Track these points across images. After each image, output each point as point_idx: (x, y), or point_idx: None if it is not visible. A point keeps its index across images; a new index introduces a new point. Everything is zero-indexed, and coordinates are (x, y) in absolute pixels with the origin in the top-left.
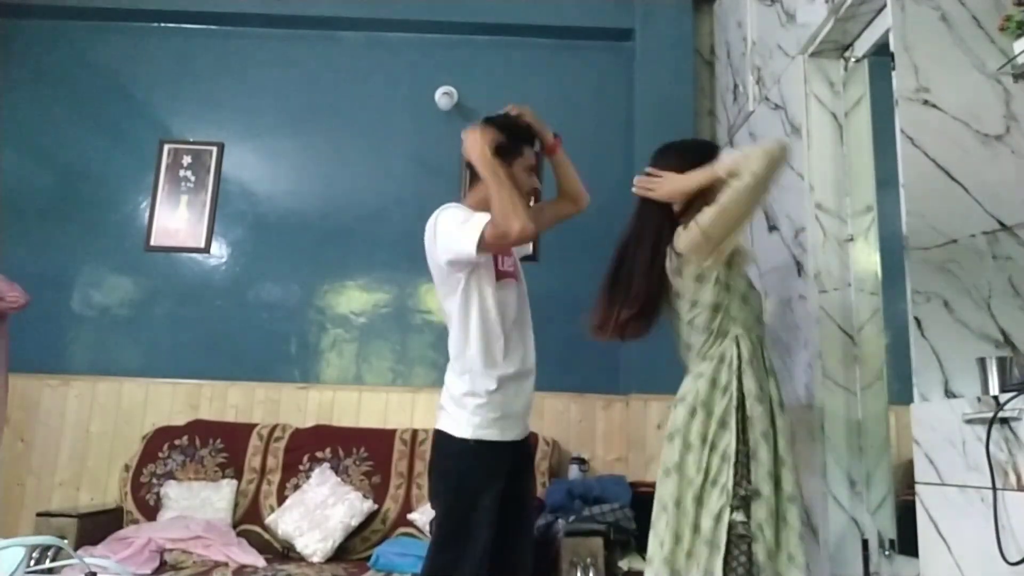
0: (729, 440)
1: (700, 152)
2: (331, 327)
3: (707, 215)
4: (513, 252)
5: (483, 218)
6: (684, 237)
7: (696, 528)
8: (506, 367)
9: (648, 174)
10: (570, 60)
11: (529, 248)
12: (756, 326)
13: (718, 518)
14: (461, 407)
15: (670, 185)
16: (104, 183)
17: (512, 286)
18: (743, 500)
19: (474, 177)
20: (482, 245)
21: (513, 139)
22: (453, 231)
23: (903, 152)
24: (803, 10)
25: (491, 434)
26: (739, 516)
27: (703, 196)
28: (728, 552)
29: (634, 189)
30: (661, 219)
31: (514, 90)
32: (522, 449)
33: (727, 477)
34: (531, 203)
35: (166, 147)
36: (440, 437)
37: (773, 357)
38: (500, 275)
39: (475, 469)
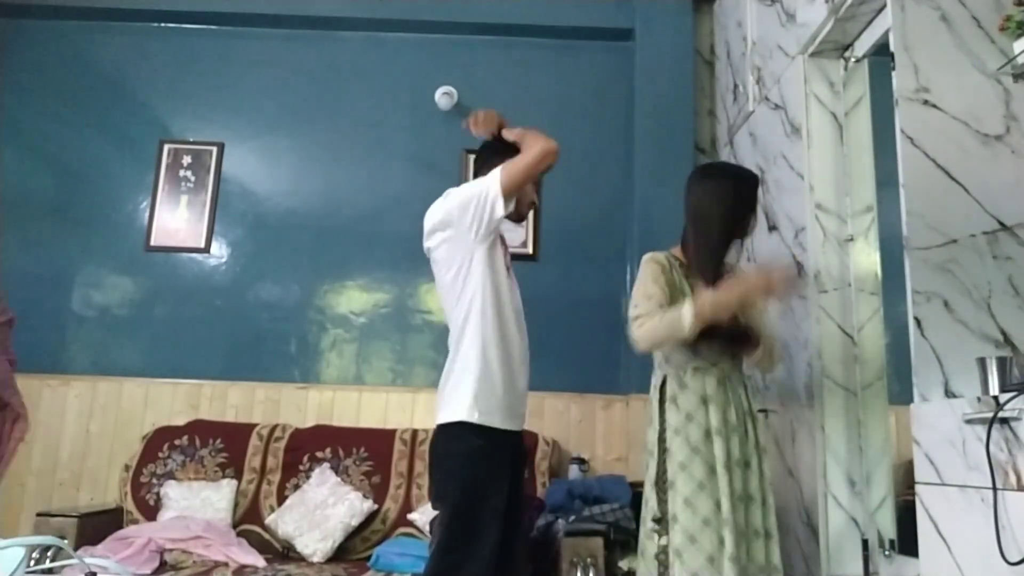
0: (652, 467)
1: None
2: (331, 327)
3: (636, 291)
4: (507, 249)
5: (494, 172)
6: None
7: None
8: (513, 353)
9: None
10: (570, 60)
11: (529, 248)
12: (692, 358)
13: (648, 536)
14: (467, 393)
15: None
16: (104, 183)
17: (510, 277)
18: (662, 524)
19: (476, 172)
20: (505, 189)
21: (512, 153)
22: (473, 196)
23: (903, 152)
24: (803, 10)
25: (495, 420)
26: (663, 540)
27: None
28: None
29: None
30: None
31: (514, 90)
32: (519, 447)
33: (653, 501)
34: (526, 213)
35: (166, 147)
36: (444, 433)
37: None
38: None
39: (484, 470)
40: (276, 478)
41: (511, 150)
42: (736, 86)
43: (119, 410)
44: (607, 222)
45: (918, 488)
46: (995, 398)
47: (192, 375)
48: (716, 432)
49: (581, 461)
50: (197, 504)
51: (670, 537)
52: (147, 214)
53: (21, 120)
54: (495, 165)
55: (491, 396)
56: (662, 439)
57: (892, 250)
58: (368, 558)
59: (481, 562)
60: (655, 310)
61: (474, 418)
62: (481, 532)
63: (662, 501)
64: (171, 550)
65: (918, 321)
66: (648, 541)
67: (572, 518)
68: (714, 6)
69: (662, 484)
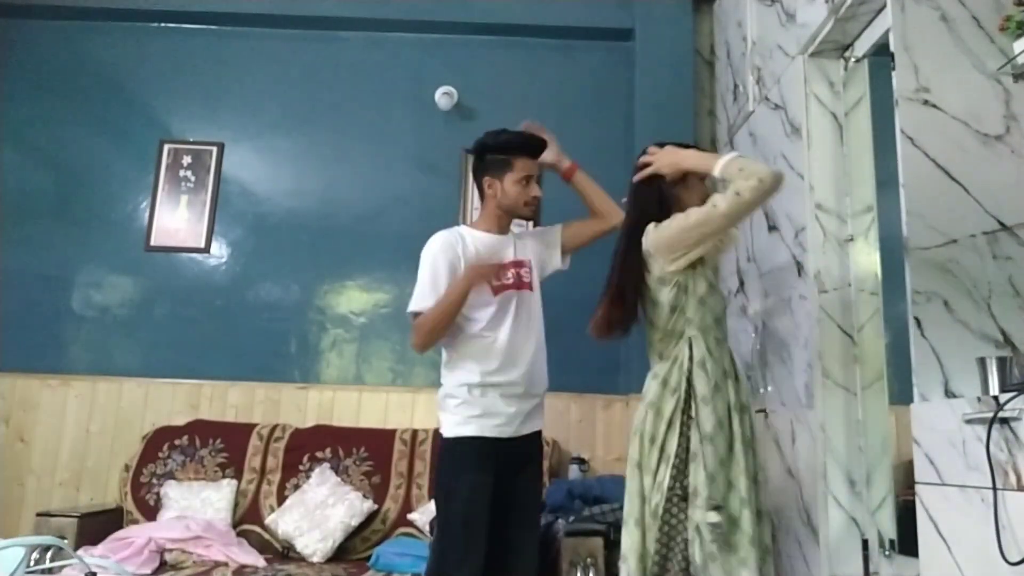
0: (673, 440)
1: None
2: (331, 327)
3: (678, 224)
4: (523, 262)
5: (430, 303)
6: (653, 236)
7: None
8: (488, 373)
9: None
10: (570, 60)
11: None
12: (714, 327)
13: (654, 514)
14: (444, 408)
15: (667, 157)
16: (104, 183)
17: (511, 296)
18: (681, 498)
19: (475, 172)
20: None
21: (501, 153)
22: (418, 290)
23: (903, 152)
24: (803, 10)
25: (468, 430)
26: (677, 512)
27: (688, 188)
28: (669, 549)
29: (636, 173)
30: (640, 212)
31: (514, 90)
32: (520, 448)
33: (664, 475)
34: (531, 211)
35: (166, 147)
36: (439, 437)
37: (773, 357)
38: (496, 289)
39: (451, 466)
40: (276, 478)
41: (500, 156)
42: (736, 86)
43: (119, 410)
44: None
45: (918, 488)
46: (995, 398)
47: (192, 375)
48: (735, 409)
49: (581, 461)
50: (197, 504)
51: (689, 513)
52: (147, 214)
53: (21, 120)
54: (487, 171)
55: (463, 412)
56: (688, 408)
57: (892, 250)
58: (368, 558)
59: (457, 555)
60: (717, 195)
61: (450, 433)
62: (463, 528)
63: (682, 475)
64: (171, 550)
65: (918, 321)
66: (628, 539)
67: (572, 518)
68: (714, 6)
69: (682, 454)
